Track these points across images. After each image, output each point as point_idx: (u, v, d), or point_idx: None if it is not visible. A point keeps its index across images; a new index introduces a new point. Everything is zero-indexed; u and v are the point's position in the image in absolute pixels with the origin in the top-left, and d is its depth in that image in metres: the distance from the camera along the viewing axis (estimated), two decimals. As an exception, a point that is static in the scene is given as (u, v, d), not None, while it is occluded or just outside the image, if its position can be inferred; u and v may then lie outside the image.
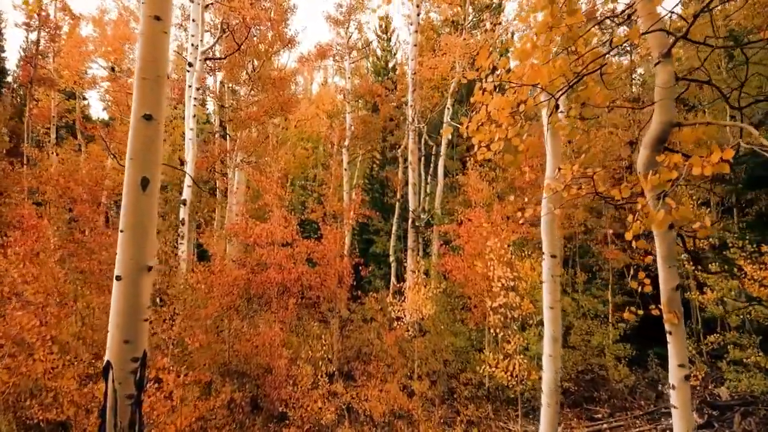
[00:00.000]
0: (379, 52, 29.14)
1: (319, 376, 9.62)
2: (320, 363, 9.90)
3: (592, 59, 3.85)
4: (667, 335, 4.31)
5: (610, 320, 12.73)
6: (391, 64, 28.62)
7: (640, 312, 4.56)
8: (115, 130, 22.73)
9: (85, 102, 30.64)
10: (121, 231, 4.12)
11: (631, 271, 14.36)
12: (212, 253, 11.37)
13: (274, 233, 11.28)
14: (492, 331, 6.90)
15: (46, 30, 24.73)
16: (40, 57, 24.62)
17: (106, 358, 4.10)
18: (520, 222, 5.05)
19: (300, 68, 35.46)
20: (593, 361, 12.67)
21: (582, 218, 13.34)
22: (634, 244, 3.68)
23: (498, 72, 4.07)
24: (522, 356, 6.86)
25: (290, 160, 30.28)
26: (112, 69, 23.36)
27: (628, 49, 16.46)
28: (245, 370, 11.51)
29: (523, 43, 4.00)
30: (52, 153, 22.55)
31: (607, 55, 4.19)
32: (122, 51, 23.33)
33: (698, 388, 11.23)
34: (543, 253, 5.51)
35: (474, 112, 4.27)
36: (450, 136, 19.81)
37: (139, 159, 4.13)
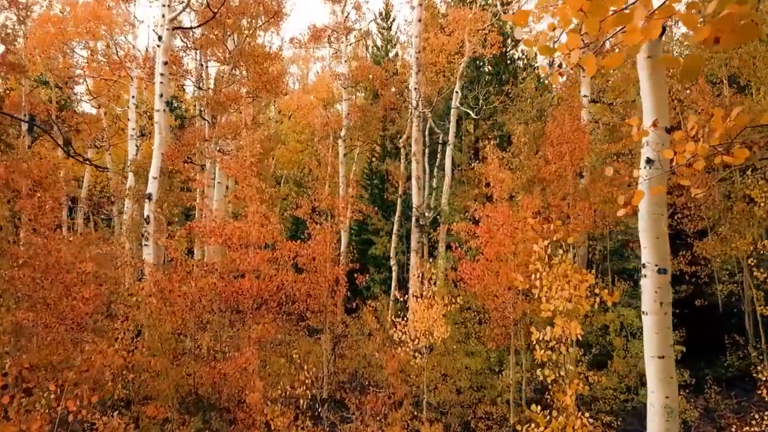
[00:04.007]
0: (379, 42, 27.06)
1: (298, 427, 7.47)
2: (302, 402, 7.77)
3: None
4: None
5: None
6: (391, 54, 26.55)
7: None
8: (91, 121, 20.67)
9: (75, 94, 28.15)
10: None
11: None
12: (173, 258, 9.26)
13: (249, 233, 9.15)
14: (540, 374, 4.82)
15: (14, 11, 22.64)
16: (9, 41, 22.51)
17: None
18: (619, 213, 2.94)
19: (295, 57, 33.43)
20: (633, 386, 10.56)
21: (622, 214, 11.20)
22: None
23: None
24: (586, 412, 4.76)
25: (283, 154, 28.23)
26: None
27: None
28: (213, 401, 9.40)
29: None
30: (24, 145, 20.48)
31: None
32: (98, 33, 21.21)
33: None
34: (643, 265, 3.38)
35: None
36: (457, 125, 17.66)
37: None
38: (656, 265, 3.31)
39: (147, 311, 8.76)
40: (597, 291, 4.59)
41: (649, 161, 3.35)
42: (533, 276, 4.97)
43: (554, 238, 4.81)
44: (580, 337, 4.59)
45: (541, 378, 4.92)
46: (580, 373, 8.70)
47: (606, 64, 2.01)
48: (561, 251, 4.68)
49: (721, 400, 10.47)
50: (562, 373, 4.99)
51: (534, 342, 4.83)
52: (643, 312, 3.36)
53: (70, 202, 23.35)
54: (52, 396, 7.20)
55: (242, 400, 8.74)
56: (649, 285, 3.33)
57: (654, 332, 3.27)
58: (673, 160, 2.78)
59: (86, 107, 25.75)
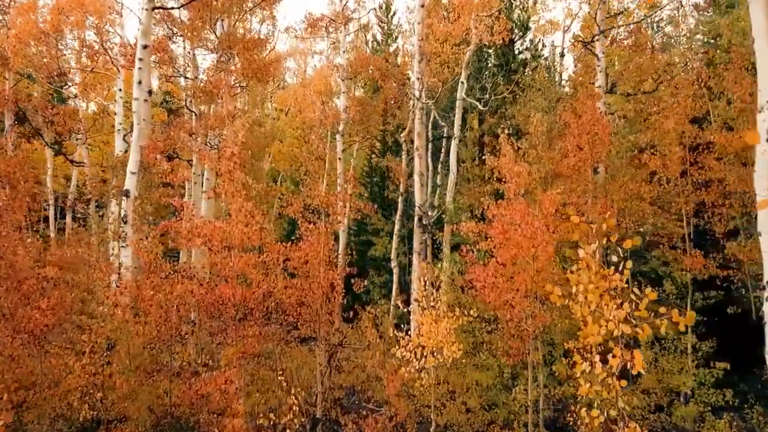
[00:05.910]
0: (379, 36, 26.05)
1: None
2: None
3: None
4: None
5: (688, 351, 9.50)
6: (392, 48, 25.55)
7: None
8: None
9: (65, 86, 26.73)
10: None
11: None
12: (146, 261, 8.19)
13: (232, 234, 8.08)
14: (584, 415, 3.78)
15: (-5, 2, 21.56)
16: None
17: None
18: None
19: (292, 51, 32.34)
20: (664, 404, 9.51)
21: (649, 213, 10.12)
22: None
23: None
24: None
25: (280, 151, 27.16)
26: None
27: None
28: (192, 424, 8.34)
29: None
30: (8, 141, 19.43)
31: None
32: (83, 22, 20.13)
33: None
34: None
35: None
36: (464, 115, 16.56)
37: None
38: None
39: (114, 323, 7.68)
40: (663, 310, 3.52)
41: (773, 132, 2.27)
42: (574, 289, 3.90)
43: (604, 242, 3.74)
44: (643, 371, 3.53)
45: (587, 420, 3.86)
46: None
47: None
48: (615, 258, 3.63)
49: (763, 421, 9.40)
50: (613, 413, 3.92)
51: (578, 374, 3.78)
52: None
53: (74, 203, 22.29)
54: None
55: (225, 425, 7.68)
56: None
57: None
58: None
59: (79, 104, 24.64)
